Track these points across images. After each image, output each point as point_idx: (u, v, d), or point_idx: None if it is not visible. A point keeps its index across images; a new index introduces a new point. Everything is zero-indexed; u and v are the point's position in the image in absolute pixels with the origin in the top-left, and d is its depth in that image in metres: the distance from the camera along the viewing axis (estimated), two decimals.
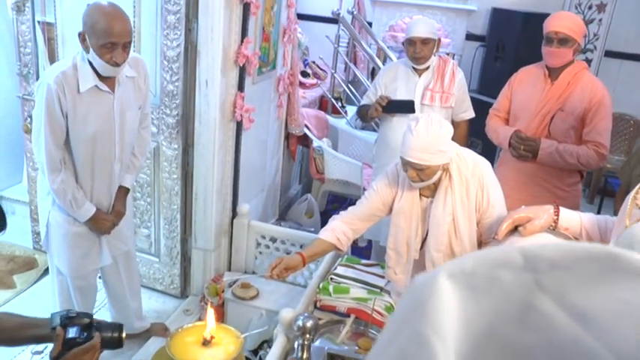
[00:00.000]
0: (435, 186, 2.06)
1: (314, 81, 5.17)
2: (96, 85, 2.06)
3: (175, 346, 1.69)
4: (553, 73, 2.62)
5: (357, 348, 2.28)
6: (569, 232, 1.79)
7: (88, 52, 2.01)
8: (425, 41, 2.75)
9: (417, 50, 2.76)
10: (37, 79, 3.08)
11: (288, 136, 4.00)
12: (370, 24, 5.57)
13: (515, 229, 1.81)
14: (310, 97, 4.76)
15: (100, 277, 2.58)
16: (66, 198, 2.12)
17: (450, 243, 2.06)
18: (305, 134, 4.08)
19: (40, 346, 2.69)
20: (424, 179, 1.98)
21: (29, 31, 3.01)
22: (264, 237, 3.11)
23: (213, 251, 3.01)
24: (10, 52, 3.35)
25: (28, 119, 3.15)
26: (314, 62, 5.52)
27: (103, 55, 1.97)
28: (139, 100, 2.26)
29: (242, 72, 2.84)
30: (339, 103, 4.91)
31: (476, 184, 2.02)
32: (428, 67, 2.86)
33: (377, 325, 2.42)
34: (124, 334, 1.44)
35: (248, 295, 2.90)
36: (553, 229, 1.77)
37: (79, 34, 2.01)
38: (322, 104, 4.97)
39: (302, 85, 5.00)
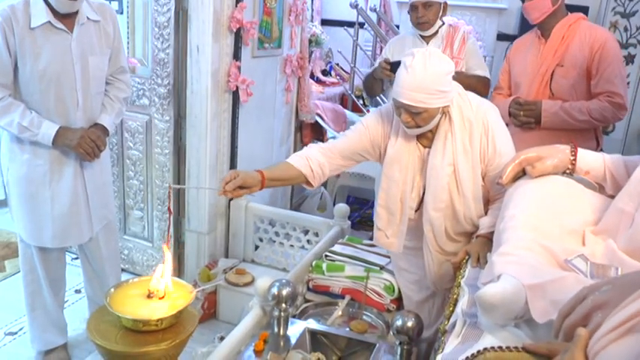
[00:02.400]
0: (433, 134, 1.78)
1: (335, 80, 4.99)
2: (49, 22, 1.90)
3: (116, 299, 1.47)
4: (545, 31, 2.38)
5: (348, 329, 2.00)
6: (590, 177, 1.49)
7: None
8: (427, 4, 2.51)
9: (420, 15, 2.52)
10: None
11: (301, 127, 3.81)
12: (398, 27, 5.38)
13: (523, 174, 1.53)
14: (329, 92, 4.56)
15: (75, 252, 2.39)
16: (13, 123, 1.92)
17: (452, 200, 1.76)
18: (319, 127, 3.87)
19: (14, 327, 2.52)
20: (420, 124, 1.69)
21: None
22: (262, 221, 2.88)
23: (207, 234, 2.79)
24: None
25: None
26: (337, 64, 5.37)
27: None
28: (106, 48, 2.10)
29: (238, 40, 2.67)
30: (361, 101, 4.69)
31: (480, 127, 1.73)
32: (436, 34, 2.62)
33: (372, 307, 2.13)
34: None
35: (242, 282, 2.68)
36: (570, 172, 1.48)
37: None
38: (343, 102, 4.77)
39: (322, 82, 4.84)
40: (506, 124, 2.54)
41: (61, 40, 1.95)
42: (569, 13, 2.39)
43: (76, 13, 1.96)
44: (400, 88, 1.64)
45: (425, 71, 1.61)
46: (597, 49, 2.27)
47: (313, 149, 1.89)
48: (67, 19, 1.95)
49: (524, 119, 2.38)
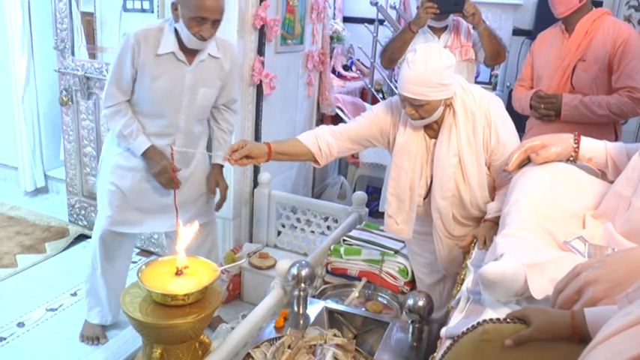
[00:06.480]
0: (439, 125, 1.88)
1: (356, 74, 5.09)
2: (173, 53, 2.07)
3: (147, 275, 1.60)
4: (570, 26, 2.40)
5: (364, 310, 2.12)
6: (592, 164, 1.57)
7: (177, 21, 2.03)
8: None
9: None
10: (73, 53, 3.20)
11: (322, 119, 3.93)
12: None
13: (529, 161, 1.62)
14: (350, 86, 4.67)
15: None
16: (117, 128, 2.11)
17: (458, 189, 1.86)
18: (340, 119, 3.98)
19: (55, 304, 2.71)
20: (424, 116, 1.79)
21: (66, 7, 3.14)
22: (285, 208, 3.02)
23: (232, 220, 2.95)
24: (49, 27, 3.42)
25: (64, 92, 3.27)
26: (358, 60, 5.46)
27: (191, 27, 1.98)
28: (218, 80, 2.22)
29: (261, 37, 2.81)
30: (380, 95, 4.79)
31: (482, 119, 1.82)
32: (446, 27, 2.73)
33: (386, 288, 2.26)
34: None
35: (265, 265, 2.82)
36: (574, 160, 1.56)
37: (172, 3, 2.03)
38: (363, 95, 4.87)
39: (343, 77, 4.94)
40: (527, 116, 2.63)
41: (179, 70, 2.10)
42: (593, 8, 2.41)
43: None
44: (403, 82, 1.74)
45: (426, 66, 1.70)
46: (620, 45, 2.29)
47: (324, 130, 1.98)
48: (190, 52, 2.10)
49: (545, 112, 2.43)
